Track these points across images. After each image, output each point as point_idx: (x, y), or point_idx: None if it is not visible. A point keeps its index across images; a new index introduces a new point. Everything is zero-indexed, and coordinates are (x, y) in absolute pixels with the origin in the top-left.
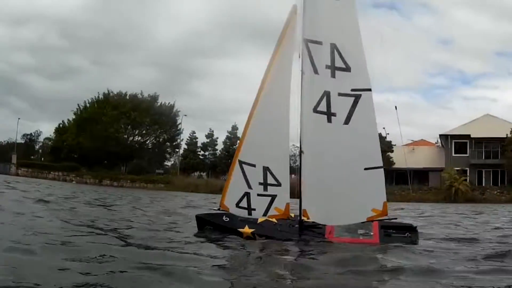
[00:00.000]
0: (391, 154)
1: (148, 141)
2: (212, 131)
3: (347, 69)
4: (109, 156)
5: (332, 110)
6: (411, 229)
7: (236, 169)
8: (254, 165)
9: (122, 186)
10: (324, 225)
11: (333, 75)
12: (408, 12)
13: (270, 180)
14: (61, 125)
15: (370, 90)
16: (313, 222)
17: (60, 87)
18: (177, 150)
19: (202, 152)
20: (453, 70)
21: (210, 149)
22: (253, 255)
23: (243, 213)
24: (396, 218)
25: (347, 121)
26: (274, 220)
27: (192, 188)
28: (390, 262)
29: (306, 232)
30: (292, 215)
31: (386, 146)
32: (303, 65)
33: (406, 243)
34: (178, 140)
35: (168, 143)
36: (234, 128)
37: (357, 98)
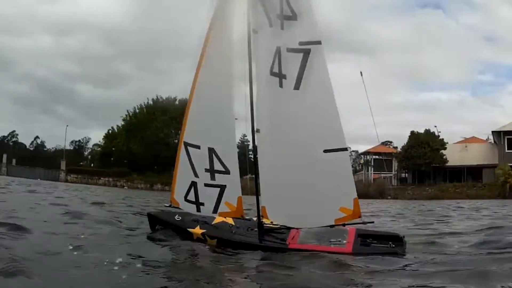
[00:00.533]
0: (444, 152)
1: None
2: None
3: (293, 17)
4: (159, 161)
5: (283, 71)
6: (397, 239)
7: (182, 154)
8: (198, 147)
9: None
10: (289, 228)
11: (282, 26)
12: (453, 10)
13: (217, 165)
14: (110, 131)
15: (319, 43)
16: (274, 224)
17: (108, 94)
18: None
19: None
20: (500, 67)
21: None
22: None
23: (192, 209)
24: (372, 222)
25: (297, 85)
26: (230, 221)
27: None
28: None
29: (265, 237)
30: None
31: (439, 144)
32: (256, 19)
33: (387, 254)
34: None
35: None
36: None
37: (306, 54)
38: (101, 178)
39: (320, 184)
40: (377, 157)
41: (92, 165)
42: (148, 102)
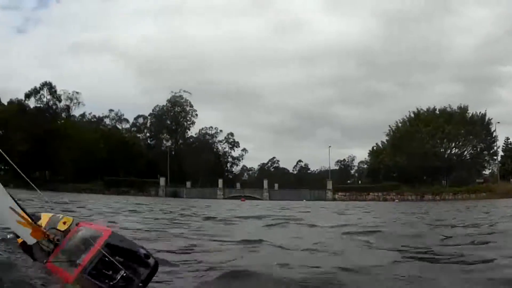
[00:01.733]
0: None
1: (466, 152)
2: None
3: None
4: (428, 172)
5: None
6: (134, 259)
7: None
8: None
9: (444, 199)
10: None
11: None
12: None
13: None
14: (374, 148)
15: None
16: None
17: (366, 112)
18: (495, 158)
19: None
20: None
21: None
22: None
23: None
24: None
25: None
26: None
27: None
28: None
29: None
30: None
31: None
32: None
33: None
34: (495, 148)
35: (485, 152)
36: None
37: None
38: (370, 194)
39: None
40: None
41: (360, 182)
42: (410, 115)
